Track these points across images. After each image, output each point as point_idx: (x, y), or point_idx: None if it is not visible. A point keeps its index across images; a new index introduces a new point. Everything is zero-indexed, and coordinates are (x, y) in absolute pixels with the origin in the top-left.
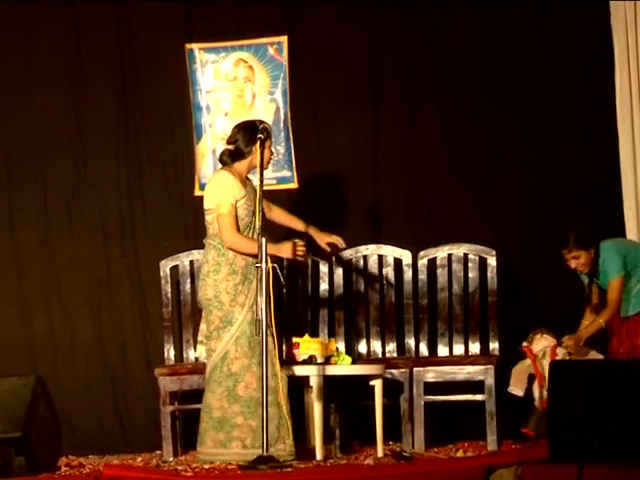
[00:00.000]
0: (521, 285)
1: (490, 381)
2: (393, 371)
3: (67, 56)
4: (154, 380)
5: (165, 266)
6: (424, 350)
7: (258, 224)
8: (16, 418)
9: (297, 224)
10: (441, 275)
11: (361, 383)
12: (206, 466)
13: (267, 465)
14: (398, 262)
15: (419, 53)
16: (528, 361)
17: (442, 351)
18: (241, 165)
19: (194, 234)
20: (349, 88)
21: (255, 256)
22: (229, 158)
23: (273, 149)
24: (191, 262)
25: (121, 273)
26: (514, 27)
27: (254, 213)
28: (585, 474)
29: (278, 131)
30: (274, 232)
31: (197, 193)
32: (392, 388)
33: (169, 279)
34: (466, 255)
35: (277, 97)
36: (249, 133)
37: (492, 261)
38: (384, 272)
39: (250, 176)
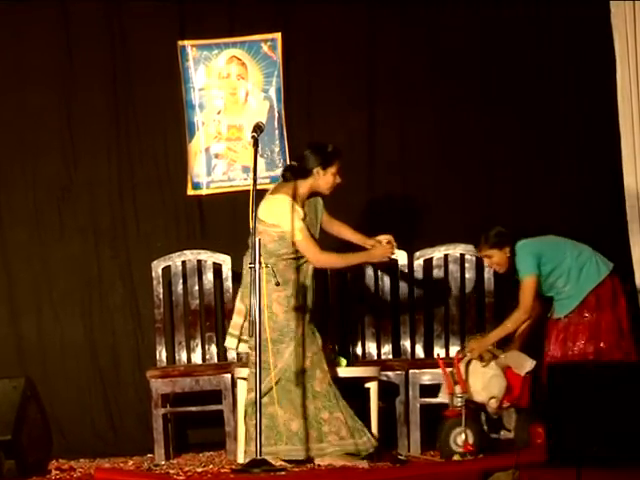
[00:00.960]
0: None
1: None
2: (389, 373)
3: (57, 54)
4: (146, 382)
5: (157, 267)
6: (420, 352)
7: (252, 224)
8: (6, 421)
9: (356, 236)
10: (437, 276)
11: (356, 385)
12: (199, 470)
13: (261, 468)
14: (394, 262)
15: (415, 50)
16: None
17: (439, 352)
18: (303, 184)
19: (186, 234)
20: (344, 86)
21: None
22: (292, 175)
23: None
24: (183, 263)
25: (112, 274)
26: (513, 25)
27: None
28: (584, 478)
29: (272, 130)
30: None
31: (189, 192)
32: (388, 390)
33: (161, 280)
34: (463, 255)
35: (271, 95)
36: (318, 154)
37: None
38: (378, 273)
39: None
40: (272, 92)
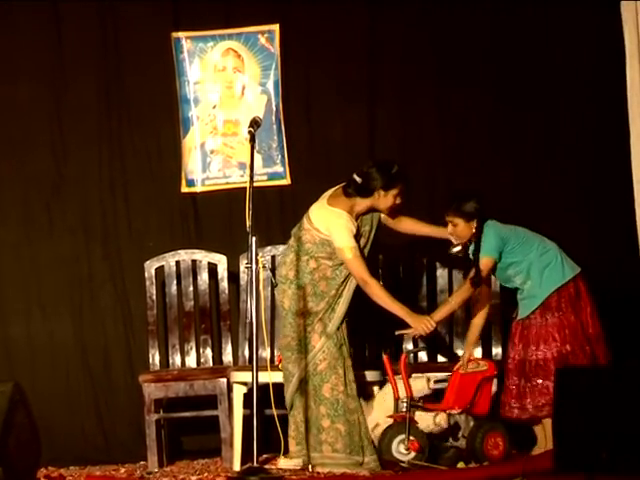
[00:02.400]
0: None
1: (493, 388)
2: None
3: (47, 46)
4: (138, 387)
5: (150, 267)
6: (423, 355)
7: (248, 223)
8: None
9: (428, 229)
10: (441, 276)
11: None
12: (193, 477)
13: (257, 476)
14: (395, 262)
15: (416, 43)
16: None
17: (442, 356)
18: (362, 202)
19: (180, 233)
20: (344, 79)
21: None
22: (355, 191)
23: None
24: (177, 263)
25: (103, 274)
26: (519, 20)
27: (365, 246)
28: None
29: (269, 124)
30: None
31: (183, 190)
32: None
33: (154, 280)
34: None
35: (268, 88)
36: (382, 175)
37: None
38: (380, 273)
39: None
40: (270, 86)
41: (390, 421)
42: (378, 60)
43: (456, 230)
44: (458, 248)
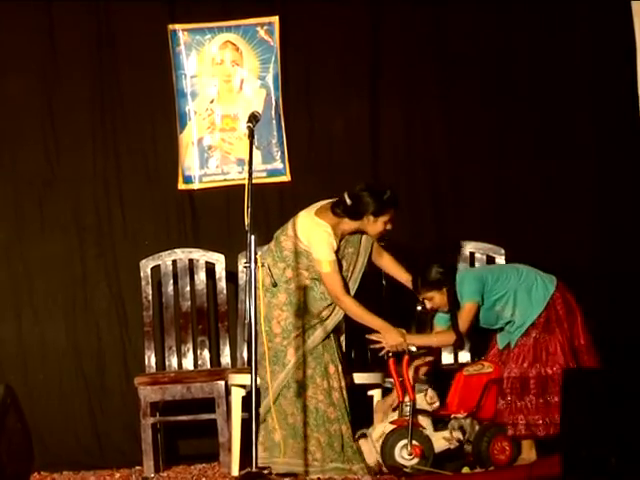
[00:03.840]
0: None
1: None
2: (392, 380)
3: (39, 38)
4: (133, 390)
5: (145, 266)
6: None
7: (247, 221)
8: None
9: (402, 275)
10: None
11: (359, 393)
12: None
13: None
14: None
15: (420, 35)
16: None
17: (446, 358)
18: (350, 223)
19: (177, 231)
20: (345, 73)
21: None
22: (343, 213)
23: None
24: (174, 262)
25: (98, 274)
26: (525, 13)
27: (348, 270)
28: None
29: (269, 119)
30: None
31: (180, 187)
32: None
33: (150, 280)
34: (472, 254)
35: (267, 82)
36: (373, 201)
37: (501, 260)
38: (382, 272)
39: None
40: (269, 79)
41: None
42: (380, 53)
43: (435, 303)
44: (424, 305)
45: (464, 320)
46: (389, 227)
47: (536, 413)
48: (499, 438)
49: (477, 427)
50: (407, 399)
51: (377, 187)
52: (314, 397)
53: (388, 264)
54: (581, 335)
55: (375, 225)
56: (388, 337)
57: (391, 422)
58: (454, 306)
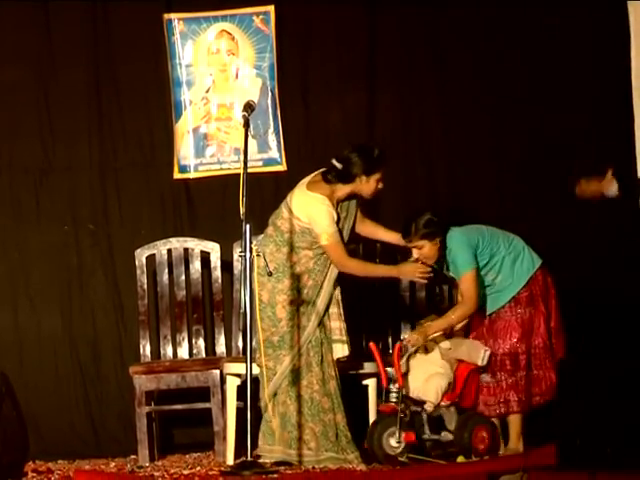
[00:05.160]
0: None
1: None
2: (388, 369)
3: (35, 29)
4: (128, 379)
5: (141, 255)
6: None
7: (242, 210)
8: None
9: (390, 236)
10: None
11: (354, 382)
12: (185, 472)
13: (251, 471)
14: (394, 254)
15: (417, 25)
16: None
17: None
18: (343, 188)
19: (173, 221)
20: (342, 62)
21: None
22: (336, 178)
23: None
24: (169, 251)
25: (93, 263)
26: (524, 17)
27: (342, 233)
28: None
29: (264, 108)
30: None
31: (176, 176)
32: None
33: (145, 269)
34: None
35: (263, 72)
36: (363, 160)
37: None
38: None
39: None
40: (265, 69)
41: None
42: (377, 43)
43: (422, 252)
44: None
45: (470, 288)
46: (381, 186)
47: (524, 388)
48: (479, 428)
49: (455, 416)
50: (393, 386)
51: (364, 147)
52: (309, 387)
53: (373, 229)
54: (553, 318)
55: (368, 184)
56: (407, 273)
57: (379, 408)
58: (440, 261)
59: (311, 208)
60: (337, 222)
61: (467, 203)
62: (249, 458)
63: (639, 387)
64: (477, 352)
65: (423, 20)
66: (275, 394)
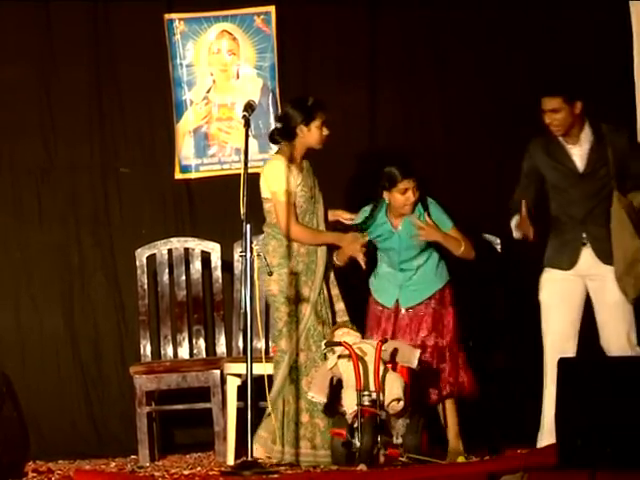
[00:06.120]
0: (530, 278)
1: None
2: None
3: (36, 28)
4: (129, 379)
5: (141, 255)
6: None
7: (243, 210)
8: None
9: (343, 215)
10: None
11: None
12: (185, 472)
13: (252, 471)
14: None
15: (418, 25)
16: (331, 363)
17: None
18: (292, 145)
19: (174, 221)
20: (343, 62)
21: (318, 245)
22: (280, 137)
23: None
24: (169, 251)
25: (95, 263)
26: (525, 16)
27: (312, 198)
28: None
29: (265, 108)
30: None
31: (177, 176)
32: None
33: (145, 269)
34: None
35: (264, 72)
36: (298, 110)
37: (499, 248)
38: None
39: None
40: (266, 69)
41: None
42: (378, 42)
43: (413, 196)
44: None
45: (462, 238)
46: (326, 132)
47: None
48: (425, 431)
49: (400, 421)
50: (368, 391)
51: (298, 98)
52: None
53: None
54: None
55: (311, 133)
56: (348, 244)
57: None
58: (423, 205)
59: (268, 173)
60: (300, 184)
61: (467, 202)
62: (250, 458)
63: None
64: (410, 353)
65: (424, 21)
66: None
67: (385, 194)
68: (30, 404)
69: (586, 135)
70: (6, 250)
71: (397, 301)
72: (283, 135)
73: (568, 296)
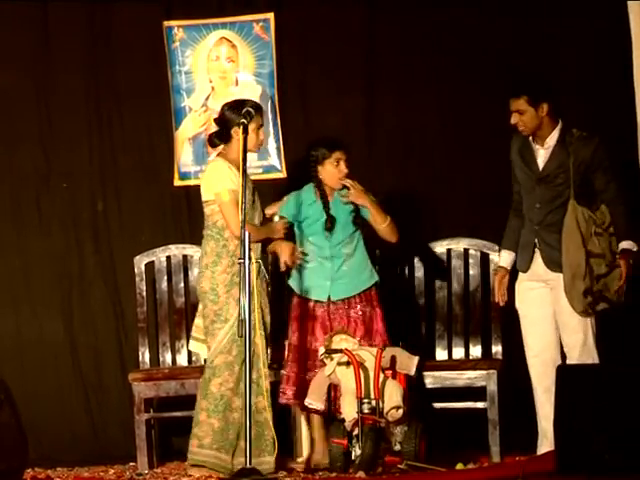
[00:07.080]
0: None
1: (493, 387)
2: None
3: (34, 35)
4: (129, 386)
5: (140, 262)
6: None
7: (240, 217)
8: None
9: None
10: (439, 272)
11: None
12: (184, 479)
13: (250, 478)
14: (393, 257)
15: (415, 30)
16: (329, 370)
17: (440, 355)
18: (231, 148)
19: (173, 227)
20: (341, 69)
21: (265, 241)
22: (217, 139)
23: (264, 132)
24: (168, 258)
25: (94, 270)
26: (523, 18)
27: (252, 196)
28: None
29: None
30: None
31: (176, 183)
32: None
33: (144, 276)
34: (466, 250)
35: (263, 79)
36: (236, 113)
37: (495, 257)
38: (376, 268)
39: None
40: (264, 76)
41: None
42: (376, 49)
43: (346, 168)
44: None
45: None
46: (262, 136)
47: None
48: (423, 438)
49: (397, 429)
50: (368, 399)
51: (235, 101)
52: (224, 384)
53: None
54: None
55: (249, 137)
56: (274, 231)
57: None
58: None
59: (210, 175)
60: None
61: (466, 205)
62: (248, 465)
63: (637, 391)
64: (409, 360)
65: (422, 25)
66: (222, 397)
67: (319, 169)
68: (29, 411)
69: (552, 139)
70: (5, 257)
71: (329, 295)
72: (222, 138)
73: (540, 304)
